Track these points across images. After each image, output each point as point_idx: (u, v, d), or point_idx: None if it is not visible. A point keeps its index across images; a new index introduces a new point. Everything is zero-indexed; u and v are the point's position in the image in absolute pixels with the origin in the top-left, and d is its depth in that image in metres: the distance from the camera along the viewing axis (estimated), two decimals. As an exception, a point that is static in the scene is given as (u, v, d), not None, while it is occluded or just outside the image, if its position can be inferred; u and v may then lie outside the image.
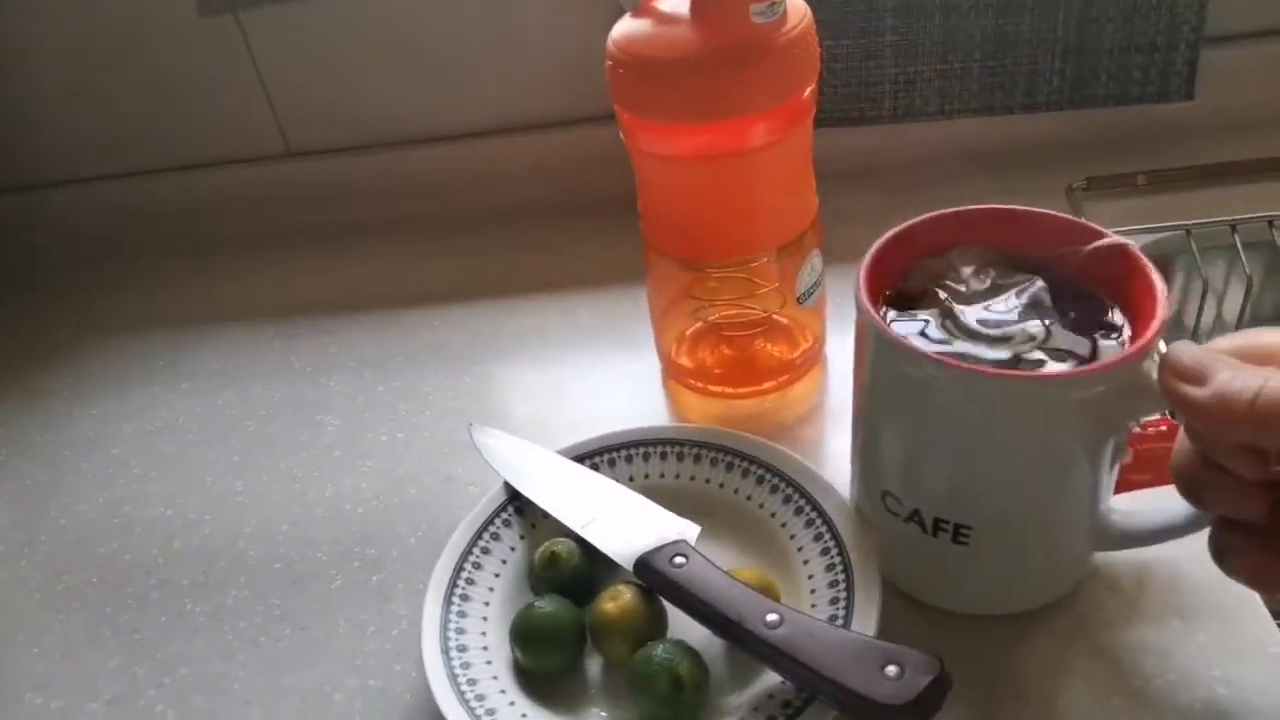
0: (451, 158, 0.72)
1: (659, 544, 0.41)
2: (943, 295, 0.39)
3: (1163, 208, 0.62)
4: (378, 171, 0.73)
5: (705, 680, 0.38)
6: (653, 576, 0.40)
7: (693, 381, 0.55)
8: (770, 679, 0.38)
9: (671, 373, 0.56)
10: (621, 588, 0.41)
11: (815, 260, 0.51)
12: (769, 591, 0.40)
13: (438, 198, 0.73)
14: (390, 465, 0.54)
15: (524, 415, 0.56)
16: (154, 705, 0.43)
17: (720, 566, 0.39)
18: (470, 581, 0.43)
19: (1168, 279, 0.61)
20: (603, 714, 0.39)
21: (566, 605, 0.41)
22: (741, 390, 0.55)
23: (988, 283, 0.39)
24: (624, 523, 0.43)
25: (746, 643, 0.37)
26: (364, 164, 0.73)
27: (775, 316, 0.54)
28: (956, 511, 0.37)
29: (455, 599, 0.42)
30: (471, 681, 0.39)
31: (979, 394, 0.34)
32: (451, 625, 0.41)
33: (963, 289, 0.39)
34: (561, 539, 0.44)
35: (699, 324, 0.55)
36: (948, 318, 0.38)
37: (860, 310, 0.37)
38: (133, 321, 0.69)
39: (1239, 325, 0.64)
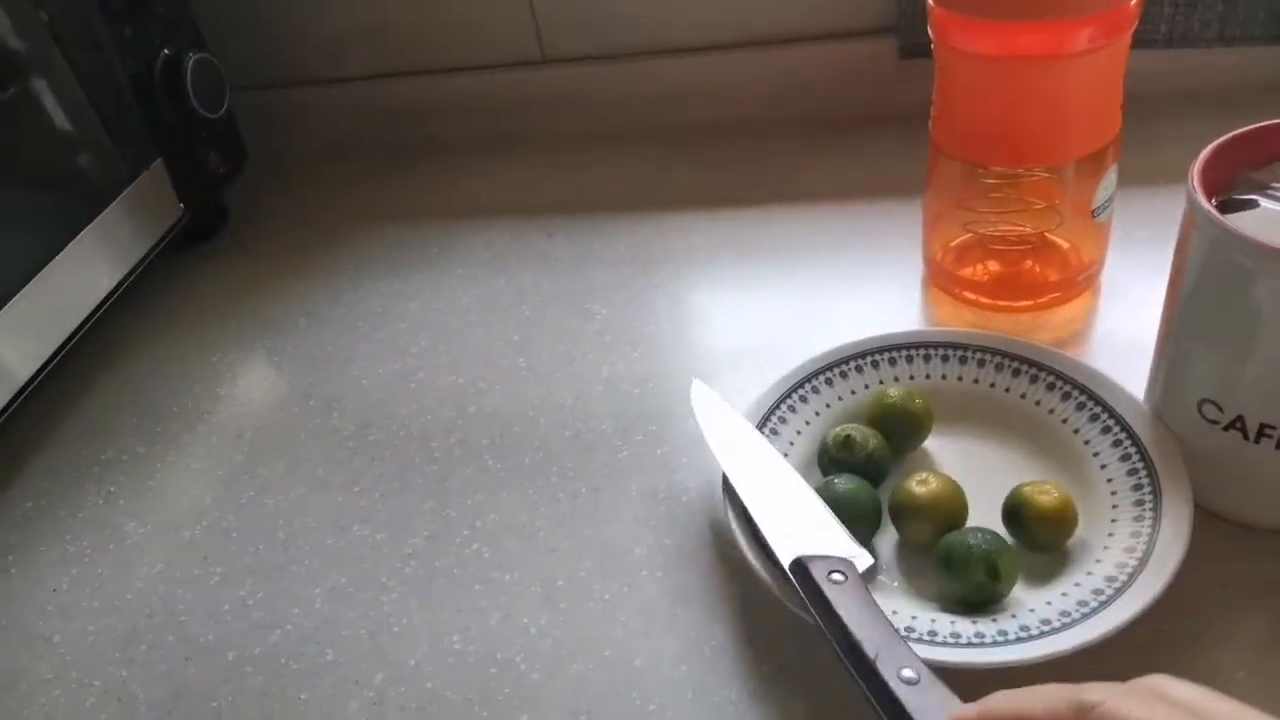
0: (708, 68, 0.74)
1: (825, 554, 0.38)
2: (1270, 203, 0.39)
3: None
4: (631, 80, 0.76)
5: (1017, 567, 0.39)
6: (805, 582, 0.37)
7: (955, 289, 0.56)
8: (1068, 581, 0.39)
9: (935, 279, 0.57)
10: (928, 474, 0.42)
11: (1112, 175, 0.50)
12: (1066, 511, 0.40)
13: (688, 108, 0.75)
14: (659, 354, 0.57)
15: (785, 314, 0.58)
16: (470, 543, 0.48)
17: (877, 602, 0.36)
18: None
19: None
20: (895, 584, 0.41)
21: (865, 484, 0.43)
22: (1002, 304, 0.55)
23: None
24: (799, 524, 0.41)
25: (869, 687, 0.33)
26: (618, 72, 0.76)
27: (1049, 236, 0.54)
28: (1286, 416, 0.37)
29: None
30: None
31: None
32: None
33: (1291, 200, 0.39)
34: (854, 425, 0.45)
35: (968, 235, 0.55)
36: (1277, 221, 0.38)
37: (1194, 205, 0.37)
38: (402, 212, 0.74)
39: None
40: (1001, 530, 0.41)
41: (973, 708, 0.29)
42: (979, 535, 0.39)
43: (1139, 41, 0.67)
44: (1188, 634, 0.38)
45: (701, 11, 0.73)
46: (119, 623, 0.47)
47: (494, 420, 0.54)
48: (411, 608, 0.45)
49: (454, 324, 0.62)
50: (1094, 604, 0.37)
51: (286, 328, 0.64)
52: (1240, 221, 0.38)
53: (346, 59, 0.80)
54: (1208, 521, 0.42)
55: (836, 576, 0.37)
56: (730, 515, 0.42)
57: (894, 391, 0.46)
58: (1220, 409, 0.39)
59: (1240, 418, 0.38)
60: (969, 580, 0.39)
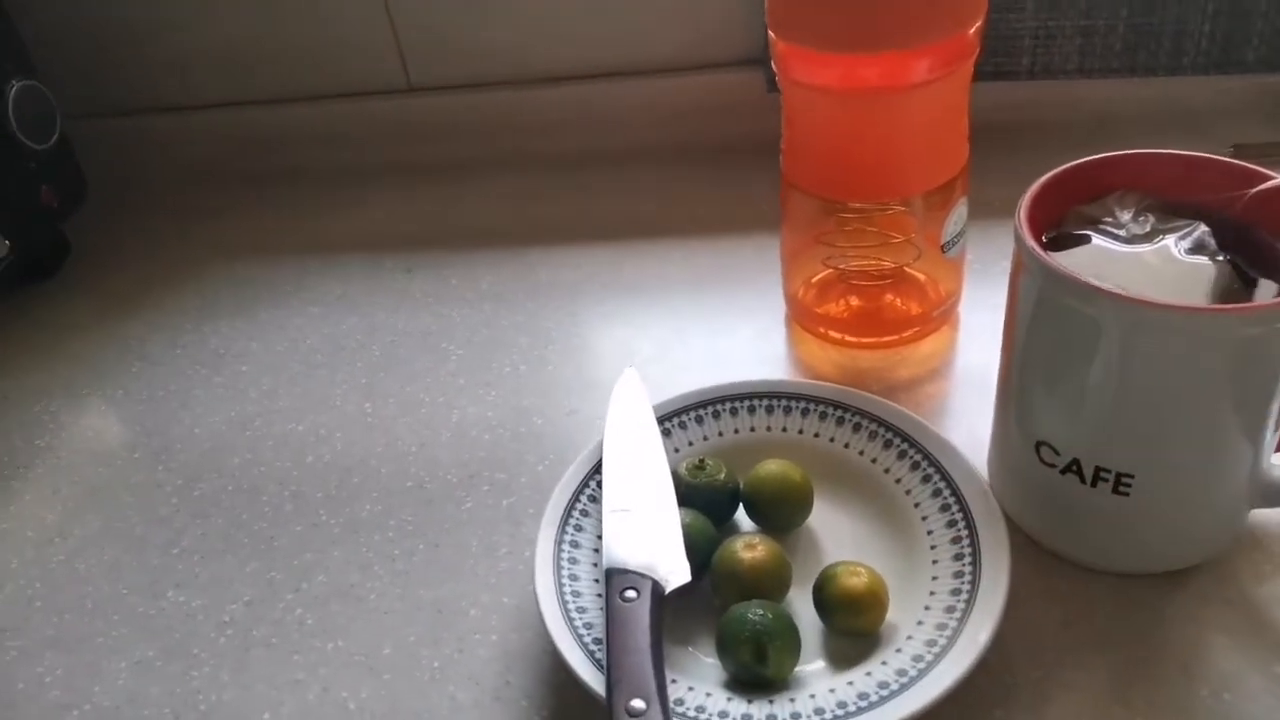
0: (576, 98, 0.72)
1: (633, 568, 0.38)
2: (1101, 239, 0.38)
3: (1316, 177, 0.60)
4: (499, 109, 0.73)
5: (792, 653, 0.37)
6: (606, 590, 0.38)
7: (818, 328, 0.55)
8: (874, 662, 0.37)
9: (797, 317, 0.56)
10: (759, 539, 0.40)
11: (962, 208, 0.49)
12: (871, 598, 0.37)
13: (558, 137, 0.73)
14: (514, 396, 0.54)
15: (647, 352, 0.56)
16: (292, 609, 0.44)
17: (660, 634, 0.35)
18: (585, 513, 0.43)
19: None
20: (689, 649, 0.39)
21: (702, 519, 0.41)
22: (866, 340, 0.54)
23: (1147, 227, 0.38)
24: (641, 531, 0.40)
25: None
26: (486, 101, 0.73)
27: (908, 270, 0.53)
28: (1119, 459, 0.36)
29: (570, 528, 0.42)
30: (581, 609, 0.39)
31: (1148, 327, 0.34)
32: (565, 555, 0.41)
33: (1122, 233, 0.38)
34: (711, 457, 0.43)
35: (828, 271, 0.54)
36: (1108, 258, 0.37)
37: (1020, 244, 0.36)
38: (256, 246, 0.70)
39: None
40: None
41: None
42: (759, 613, 0.36)
43: (1002, 73, 0.68)
44: (1030, 682, 0.37)
45: (571, 41, 0.71)
46: (-103, 709, 0.43)
47: (332, 471, 0.51)
48: (222, 682, 0.42)
49: (298, 366, 0.58)
50: (895, 686, 0.35)
51: (119, 372, 0.60)
52: (1071, 259, 0.37)
53: (203, 85, 0.76)
54: (1052, 564, 0.41)
55: (629, 594, 0.36)
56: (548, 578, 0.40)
57: (774, 464, 0.43)
58: (1056, 452, 0.38)
59: (1076, 461, 0.37)
60: (735, 659, 0.36)
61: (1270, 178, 0.37)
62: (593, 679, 0.36)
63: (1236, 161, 0.38)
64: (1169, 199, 0.39)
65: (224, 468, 0.52)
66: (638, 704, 0.32)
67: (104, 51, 0.75)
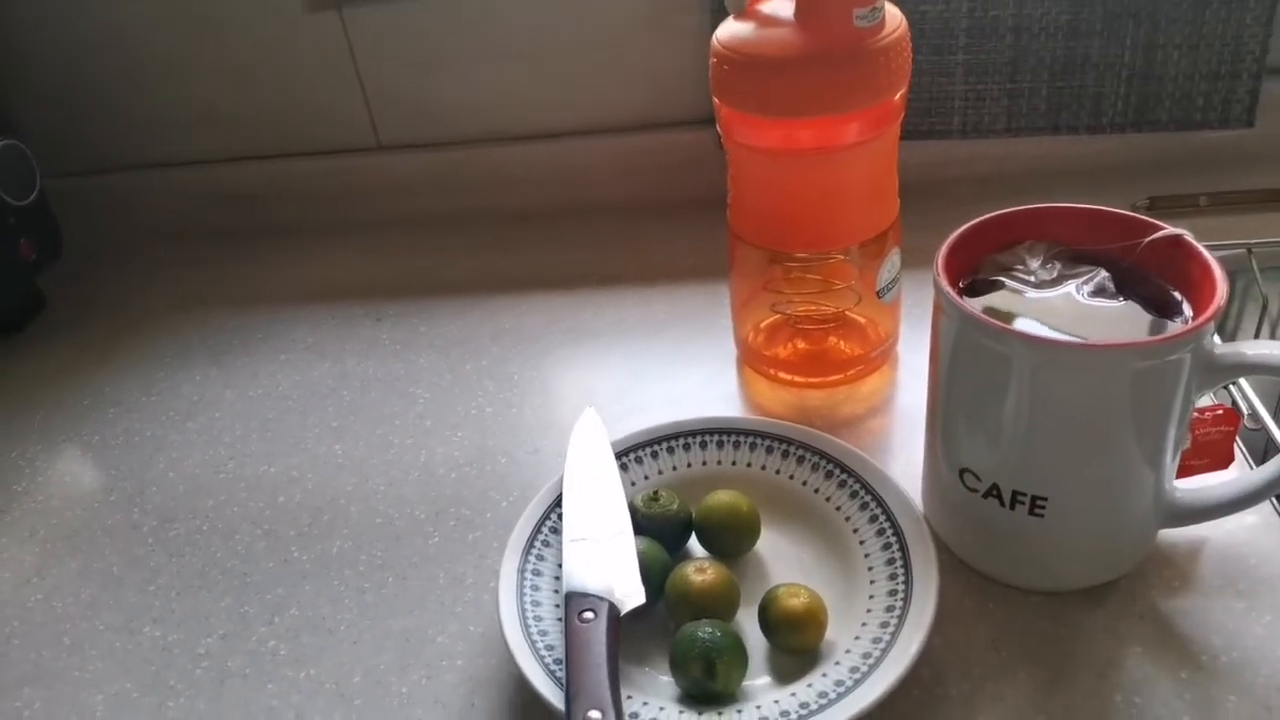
0: (538, 156, 0.76)
1: (591, 591, 0.40)
2: (1013, 284, 0.42)
3: (1224, 227, 0.65)
4: (466, 166, 0.77)
5: (740, 669, 0.39)
6: (566, 612, 0.40)
7: (768, 370, 0.58)
8: (815, 674, 0.39)
9: (748, 360, 0.59)
10: (708, 563, 0.43)
11: (895, 257, 0.53)
12: (810, 617, 0.40)
13: (521, 192, 0.77)
14: (479, 437, 0.57)
15: (606, 394, 0.59)
16: (265, 641, 0.46)
17: (615, 652, 0.38)
18: (546, 544, 0.46)
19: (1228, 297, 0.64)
20: (646, 669, 0.41)
21: (657, 546, 0.44)
22: (813, 380, 0.57)
23: (1054, 273, 0.42)
24: (598, 558, 0.43)
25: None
26: (453, 158, 0.77)
27: (850, 314, 0.57)
28: (1033, 483, 0.40)
29: (532, 557, 0.45)
30: (543, 632, 0.41)
31: (1052, 363, 0.37)
32: (528, 583, 0.43)
33: (1031, 279, 0.42)
34: (665, 489, 0.46)
35: (776, 316, 0.58)
36: (1019, 302, 0.41)
37: (939, 290, 0.40)
38: (230, 297, 0.72)
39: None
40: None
41: None
42: (709, 631, 0.39)
43: (936, 132, 0.72)
44: (960, 694, 0.40)
45: (534, 103, 0.75)
46: (-125, 746, 0.44)
47: (303, 510, 0.53)
48: (199, 712, 0.43)
49: (270, 411, 0.61)
50: (833, 695, 0.38)
51: (95, 418, 0.62)
52: (983, 303, 0.41)
53: (178, 143, 0.79)
54: (982, 585, 0.44)
55: (587, 615, 0.39)
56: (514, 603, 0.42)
57: (724, 495, 0.46)
58: (978, 478, 0.41)
59: (996, 486, 0.41)
60: (687, 675, 0.39)
61: (1161, 228, 0.41)
62: (554, 696, 0.38)
63: (1131, 214, 0.42)
64: (1074, 247, 0.43)
65: (198, 509, 0.54)
66: (594, 715, 0.35)
67: (84, 111, 0.78)
